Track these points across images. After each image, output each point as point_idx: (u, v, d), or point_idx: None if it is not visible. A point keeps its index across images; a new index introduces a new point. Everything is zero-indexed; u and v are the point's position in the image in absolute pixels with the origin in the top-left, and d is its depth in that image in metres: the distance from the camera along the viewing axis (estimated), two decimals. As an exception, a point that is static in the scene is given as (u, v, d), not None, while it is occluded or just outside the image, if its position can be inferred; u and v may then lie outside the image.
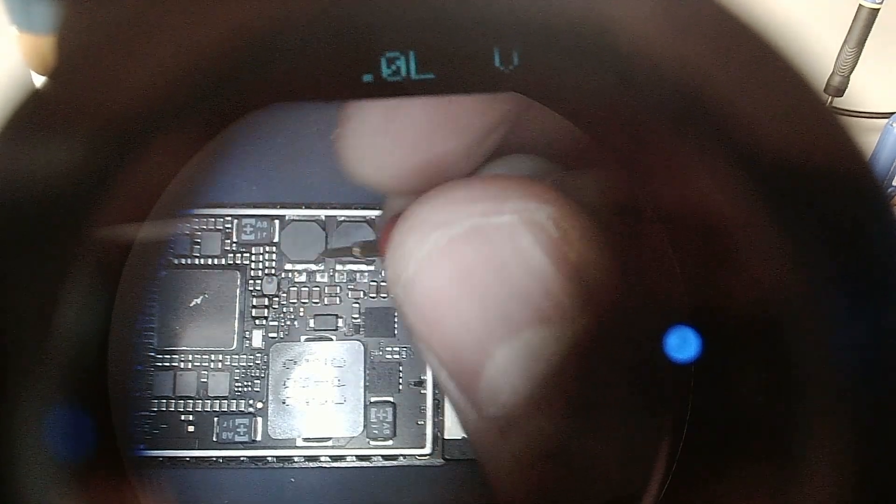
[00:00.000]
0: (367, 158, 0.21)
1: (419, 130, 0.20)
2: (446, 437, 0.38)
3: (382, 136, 0.20)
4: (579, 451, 0.19)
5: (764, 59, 0.13)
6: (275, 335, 0.39)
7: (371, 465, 0.38)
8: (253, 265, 0.39)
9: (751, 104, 0.13)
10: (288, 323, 0.39)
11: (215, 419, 0.38)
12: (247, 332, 0.38)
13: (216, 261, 0.39)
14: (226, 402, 0.38)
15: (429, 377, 0.39)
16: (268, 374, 0.38)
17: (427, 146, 0.20)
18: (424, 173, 0.21)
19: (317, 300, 0.39)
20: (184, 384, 0.38)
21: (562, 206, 0.18)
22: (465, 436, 0.21)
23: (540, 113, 0.19)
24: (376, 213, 0.39)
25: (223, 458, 0.37)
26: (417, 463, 0.38)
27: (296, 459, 0.38)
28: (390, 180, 0.21)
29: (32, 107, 0.12)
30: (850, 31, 0.54)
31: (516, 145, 0.22)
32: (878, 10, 0.53)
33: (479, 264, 0.18)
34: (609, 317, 0.18)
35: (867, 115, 0.55)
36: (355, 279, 0.39)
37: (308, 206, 0.39)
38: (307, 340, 0.39)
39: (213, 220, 0.39)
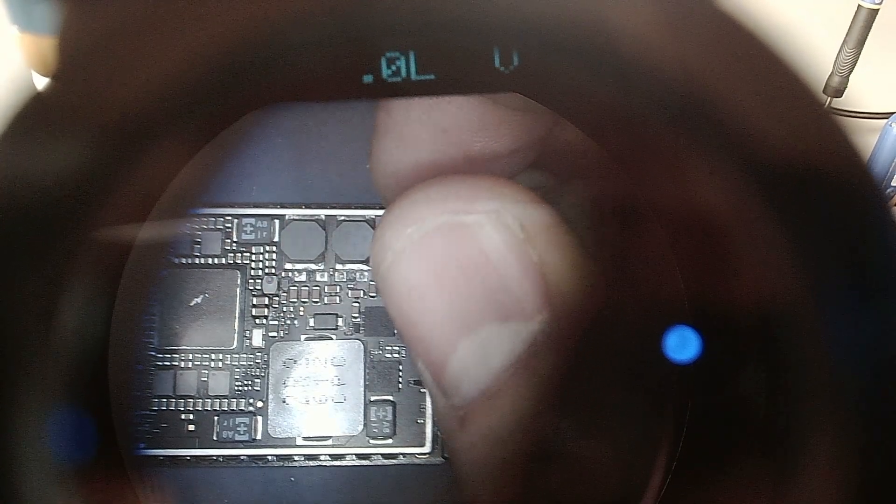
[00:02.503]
0: (395, 168, 0.22)
1: (456, 149, 0.21)
2: (446, 436, 0.38)
3: (415, 147, 0.21)
4: (579, 452, 0.19)
5: (763, 60, 0.13)
6: (275, 334, 0.39)
7: (371, 463, 0.38)
8: (253, 265, 0.39)
9: (750, 105, 0.13)
10: (288, 322, 0.39)
11: (215, 418, 0.38)
12: (247, 332, 0.38)
13: (216, 260, 0.39)
14: (226, 401, 0.38)
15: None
16: (268, 374, 0.38)
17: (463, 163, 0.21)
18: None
19: (317, 299, 0.39)
20: (184, 383, 0.38)
21: (530, 208, 0.19)
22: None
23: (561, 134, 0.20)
24: (377, 213, 0.39)
25: (223, 457, 0.37)
26: (417, 462, 0.38)
27: (296, 458, 0.38)
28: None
29: (34, 108, 0.12)
30: (849, 31, 0.54)
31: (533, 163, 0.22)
32: (878, 10, 0.53)
33: (448, 260, 0.19)
34: (575, 317, 0.19)
35: (866, 115, 0.55)
36: (355, 279, 0.39)
37: (308, 206, 0.39)
38: (307, 340, 0.39)
39: (213, 220, 0.39)
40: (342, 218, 0.39)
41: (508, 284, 0.19)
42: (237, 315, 0.38)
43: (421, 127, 0.21)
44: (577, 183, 0.22)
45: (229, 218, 0.39)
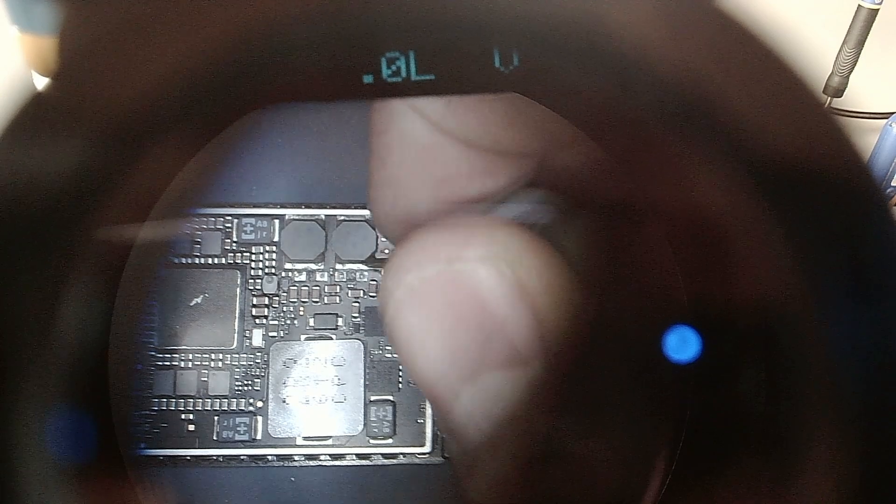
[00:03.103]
0: (396, 213, 0.22)
1: (447, 184, 0.21)
2: (446, 435, 0.38)
3: (413, 186, 0.22)
4: (579, 452, 0.19)
5: (763, 60, 0.13)
6: (275, 334, 0.39)
7: (371, 463, 0.38)
8: (253, 265, 0.39)
9: (750, 105, 0.13)
10: (288, 322, 0.39)
11: (215, 418, 0.38)
12: (247, 332, 0.38)
13: (216, 260, 0.39)
14: (226, 401, 0.38)
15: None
16: (268, 373, 0.38)
17: (455, 197, 0.22)
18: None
19: (317, 299, 0.39)
20: (184, 383, 0.38)
21: (523, 250, 0.19)
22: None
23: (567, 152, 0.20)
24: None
25: (223, 456, 0.37)
26: (417, 461, 0.38)
27: (296, 458, 0.38)
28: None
29: (34, 108, 0.12)
30: (849, 31, 0.54)
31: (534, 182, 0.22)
32: (878, 10, 0.53)
33: (446, 309, 0.19)
34: (573, 358, 0.19)
35: (866, 115, 0.55)
36: (355, 279, 0.39)
37: (308, 206, 0.39)
38: (307, 339, 0.39)
39: (213, 220, 0.39)
40: (342, 218, 0.39)
41: (505, 331, 0.19)
42: (237, 315, 0.38)
43: (417, 178, 0.21)
44: (578, 196, 0.22)
45: (229, 218, 0.39)
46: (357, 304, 0.39)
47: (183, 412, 0.37)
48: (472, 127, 0.20)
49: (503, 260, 0.19)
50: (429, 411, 0.38)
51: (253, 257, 0.39)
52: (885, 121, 0.50)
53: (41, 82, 0.12)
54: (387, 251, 0.39)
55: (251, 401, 0.38)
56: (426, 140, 0.20)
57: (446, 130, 0.20)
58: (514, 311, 0.19)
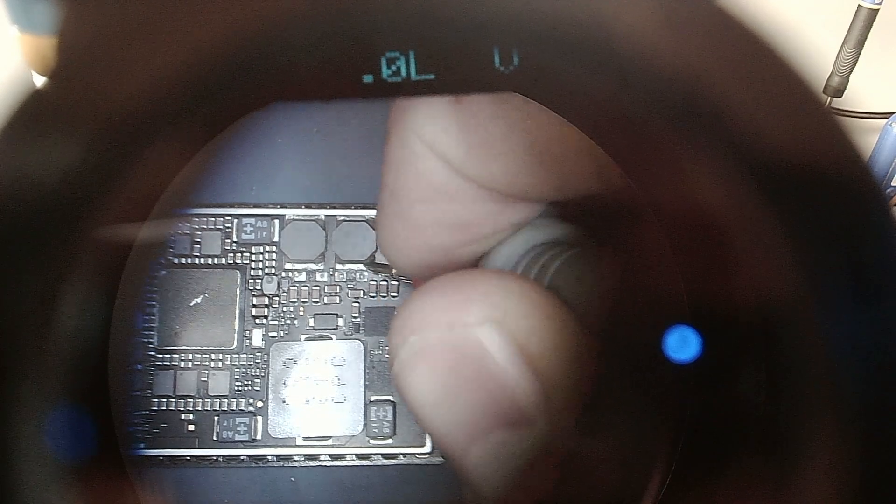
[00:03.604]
0: (402, 249, 0.23)
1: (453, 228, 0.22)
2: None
3: (418, 225, 0.22)
4: (580, 453, 0.19)
5: (763, 60, 0.13)
6: (275, 334, 0.39)
7: (371, 463, 0.38)
8: (253, 265, 0.39)
9: (750, 105, 0.13)
10: (288, 322, 0.39)
11: (215, 418, 0.38)
12: (247, 332, 0.38)
13: (216, 260, 0.39)
14: (226, 401, 0.38)
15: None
16: (268, 374, 0.38)
17: (458, 242, 0.22)
18: (447, 264, 0.23)
19: (317, 299, 0.39)
20: (184, 383, 0.38)
21: (524, 308, 0.20)
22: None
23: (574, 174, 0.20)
24: (375, 212, 0.39)
25: (223, 457, 0.37)
26: (417, 462, 0.38)
27: (296, 458, 0.38)
28: (419, 269, 0.23)
29: (33, 107, 0.12)
30: (849, 31, 0.54)
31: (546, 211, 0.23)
32: (878, 10, 0.53)
33: (449, 371, 0.20)
34: (571, 416, 0.20)
35: (866, 115, 0.55)
36: (355, 279, 0.39)
37: (308, 206, 0.39)
38: (307, 340, 0.39)
39: (213, 220, 0.39)
40: (342, 218, 0.39)
41: (509, 392, 0.19)
42: (237, 315, 0.38)
43: (430, 217, 0.22)
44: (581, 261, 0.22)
45: (229, 218, 0.39)
46: (357, 305, 0.39)
47: (183, 412, 0.37)
48: (492, 172, 0.20)
49: (502, 323, 0.19)
50: (429, 411, 0.38)
51: (253, 257, 0.39)
52: (885, 121, 0.50)
53: (41, 82, 0.12)
54: (387, 251, 0.39)
55: (251, 401, 0.38)
56: (443, 182, 0.21)
57: (466, 175, 0.20)
58: (517, 372, 0.19)
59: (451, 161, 0.20)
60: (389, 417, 0.38)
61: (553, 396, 0.19)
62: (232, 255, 0.39)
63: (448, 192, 0.21)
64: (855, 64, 0.55)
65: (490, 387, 0.19)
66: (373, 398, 0.38)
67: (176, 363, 0.38)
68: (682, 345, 0.18)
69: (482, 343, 0.19)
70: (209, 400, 0.38)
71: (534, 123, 0.20)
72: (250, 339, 0.38)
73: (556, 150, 0.20)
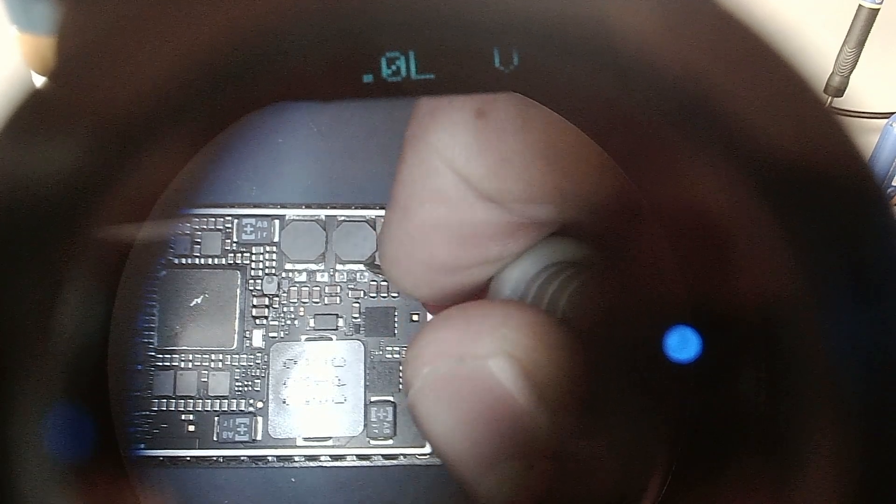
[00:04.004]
0: (407, 272, 0.23)
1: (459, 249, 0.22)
2: (446, 436, 0.38)
3: (420, 249, 0.22)
4: (580, 453, 0.19)
5: (763, 59, 0.13)
6: (275, 335, 0.39)
7: (371, 464, 0.38)
8: (253, 265, 0.39)
9: (750, 104, 0.13)
10: (288, 323, 0.39)
11: (215, 419, 0.38)
12: (247, 332, 0.38)
13: (216, 261, 0.39)
14: (226, 401, 0.38)
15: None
16: (268, 374, 0.38)
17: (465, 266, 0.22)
18: (460, 289, 0.23)
19: (317, 300, 0.39)
20: (184, 384, 0.38)
21: (532, 339, 0.20)
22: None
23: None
24: (377, 213, 0.39)
25: (223, 457, 0.37)
26: (418, 462, 0.38)
27: (296, 459, 0.38)
28: (424, 290, 0.23)
29: (32, 107, 0.12)
30: (849, 31, 0.54)
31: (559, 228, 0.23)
32: (878, 10, 0.53)
33: (461, 402, 0.20)
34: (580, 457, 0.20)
35: (867, 115, 0.55)
36: (355, 279, 0.39)
37: (308, 206, 0.39)
38: (307, 340, 0.39)
39: (213, 220, 0.39)
40: (342, 218, 0.39)
41: (519, 422, 0.20)
42: (237, 315, 0.38)
43: (441, 236, 0.22)
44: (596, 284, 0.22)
45: (229, 218, 0.39)
46: (357, 305, 0.39)
47: (183, 413, 0.37)
48: (511, 190, 0.20)
49: (513, 354, 0.20)
50: (429, 412, 0.38)
51: (253, 258, 0.39)
52: (886, 120, 0.50)
53: (40, 82, 0.12)
54: (387, 251, 0.39)
55: (251, 401, 0.38)
56: (458, 200, 0.21)
57: (483, 192, 0.20)
58: (527, 403, 0.19)
59: (470, 179, 0.20)
60: (390, 418, 0.38)
61: (565, 429, 0.20)
62: (232, 255, 0.39)
63: (461, 209, 0.21)
64: (855, 64, 0.55)
65: (502, 417, 0.20)
66: (373, 399, 0.38)
67: (176, 363, 0.38)
68: (683, 345, 0.18)
69: (494, 374, 0.20)
70: (209, 400, 0.38)
71: (551, 134, 0.20)
72: (250, 339, 0.38)
73: (571, 161, 0.20)
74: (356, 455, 0.38)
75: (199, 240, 0.38)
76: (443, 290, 0.23)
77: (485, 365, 0.20)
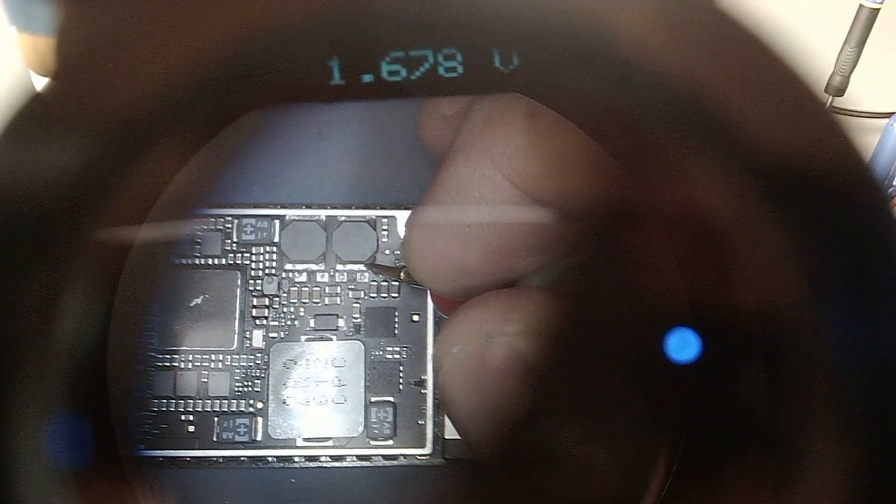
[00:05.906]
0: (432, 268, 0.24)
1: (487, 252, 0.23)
2: (447, 436, 0.38)
3: (447, 247, 0.23)
4: (580, 454, 0.19)
5: (764, 60, 0.13)
6: (275, 335, 0.39)
7: (371, 465, 0.38)
8: (253, 265, 0.39)
9: (751, 105, 0.13)
10: (288, 323, 0.39)
11: (215, 419, 0.38)
12: (247, 332, 0.38)
13: (216, 261, 0.39)
14: (226, 402, 0.38)
15: (429, 377, 0.39)
16: (268, 374, 0.38)
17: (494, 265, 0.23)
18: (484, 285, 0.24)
19: (317, 300, 0.39)
20: (184, 384, 0.38)
21: (556, 316, 0.21)
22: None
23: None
24: (377, 213, 0.39)
25: (223, 458, 0.37)
26: (418, 463, 0.38)
27: (296, 459, 0.38)
28: (448, 287, 0.24)
29: (32, 108, 0.12)
30: (850, 31, 0.54)
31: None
32: (879, 10, 0.53)
33: (491, 374, 0.21)
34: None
35: (867, 115, 0.55)
36: (356, 279, 0.39)
37: (308, 206, 0.39)
38: (307, 340, 0.39)
39: (213, 220, 0.39)
40: (343, 218, 0.39)
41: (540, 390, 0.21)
42: (237, 316, 0.38)
43: (476, 241, 0.22)
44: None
45: (229, 218, 0.39)
46: (358, 305, 0.39)
47: (183, 413, 0.37)
48: (562, 190, 0.21)
49: (540, 332, 0.21)
50: (429, 413, 0.38)
51: (253, 258, 0.39)
52: (887, 120, 0.50)
53: (40, 83, 0.12)
54: (387, 252, 0.39)
55: (251, 402, 0.38)
56: (508, 207, 0.21)
57: (533, 195, 0.21)
58: (550, 374, 0.20)
59: (526, 180, 0.20)
60: (390, 419, 0.38)
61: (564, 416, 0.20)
62: (232, 255, 0.39)
63: (508, 216, 0.21)
64: (856, 63, 0.55)
65: (526, 389, 0.20)
66: (373, 399, 0.38)
67: (176, 364, 0.38)
68: (683, 346, 0.18)
69: (521, 348, 0.21)
70: (209, 401, 0.38)
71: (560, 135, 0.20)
72: (250, 339, 0.38)
73: (581, 162, 0.20)
74: (356, 455, 0.38)
75: (199, 240, 0.38)
76: (462, 289, 0.23)
77: (514, 340, 0.21)
